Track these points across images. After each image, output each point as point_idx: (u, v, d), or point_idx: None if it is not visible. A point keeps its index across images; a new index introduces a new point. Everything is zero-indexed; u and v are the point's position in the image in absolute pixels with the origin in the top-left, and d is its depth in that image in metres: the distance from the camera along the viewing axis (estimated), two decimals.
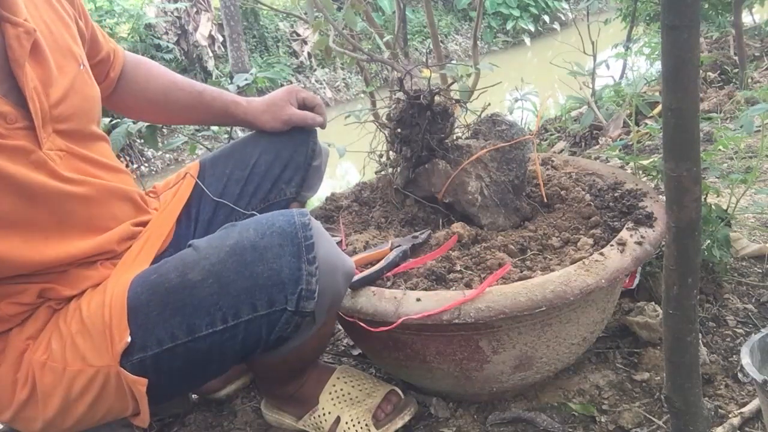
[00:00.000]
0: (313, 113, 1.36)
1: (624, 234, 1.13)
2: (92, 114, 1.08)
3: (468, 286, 1.07)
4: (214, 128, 2.25)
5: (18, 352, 0.95)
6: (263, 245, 0.94)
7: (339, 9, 1.86)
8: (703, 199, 1.22)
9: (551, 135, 3.06)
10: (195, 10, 7.56)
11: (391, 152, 1.39)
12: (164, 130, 6.02)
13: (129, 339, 0.92)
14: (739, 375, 1.26)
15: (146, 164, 6.33)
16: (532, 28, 10.12)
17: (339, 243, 1.29)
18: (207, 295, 0.93)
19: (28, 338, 0.96)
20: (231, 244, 0.95)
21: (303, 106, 1.36)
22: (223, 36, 7.33)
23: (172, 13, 7.36)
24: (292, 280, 0.93)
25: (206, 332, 0.93)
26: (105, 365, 0.93)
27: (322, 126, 1.38)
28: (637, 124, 2.55)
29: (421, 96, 1.26)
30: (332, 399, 1.20)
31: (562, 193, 1.35)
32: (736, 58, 3.24)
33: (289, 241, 0.94)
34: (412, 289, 1.09)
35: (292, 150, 1.34)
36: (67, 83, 1.01)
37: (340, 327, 1.54)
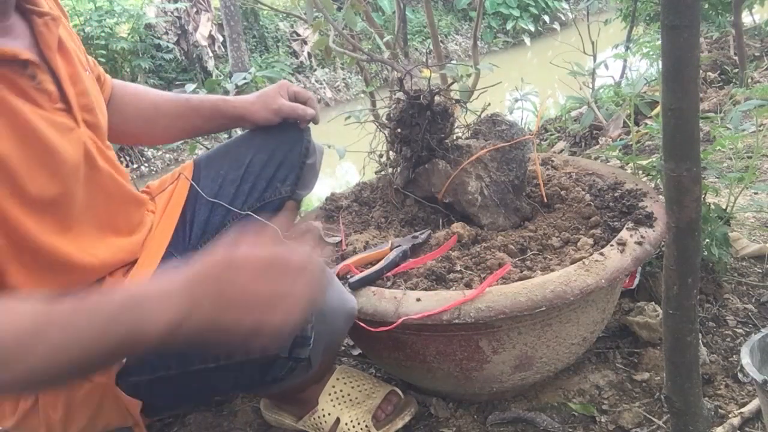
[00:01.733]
0: (304, 106, 1.35)
1: (624, 234, 1.13)
2: (105, 115, 1.08)
3: (468, 286, 1.07)
4: None
5: None
6: None
7: (339, 9, 1.86)
8: (702, 199, 1.22)
9: (551, 135, 3.06)
10: (195, 10, 7.56)
11: (391, 152, 1.39)
12: None
13: (124, 360, 0.92)
14: (739, 375, 1.26)
15: (146, 164, 6.33)
16: (532, 28, 10.12)
17: (339, 243, 1.29)
18: None
19: None
20: None
21: (294, 99, 1.35)
22: (223, 36, 7.31)
23: (172, 13, 7.36)
24: None
25: (198, 367, 0.93)
26: (102, 382, 0.93)
27: (315, 120, 1.37)
28: (636, 124, 2.55)
29: (421, 96, 1.26)
30: (332, 400, 1.20)
31: (562, 193, 1.35)
32: (736, 58, 3.24)
33: None
34: (412, 289, 1.09)
35: (287, 149, 1.33)
36: (86, 79, 1.03)
37: None
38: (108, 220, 1.03)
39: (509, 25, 9.99)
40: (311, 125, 1.38)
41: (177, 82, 6.77)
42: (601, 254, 1.08)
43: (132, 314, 0.66)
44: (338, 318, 0.99)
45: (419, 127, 1.29)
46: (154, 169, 6.37)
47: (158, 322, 0.65)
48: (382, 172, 1.43)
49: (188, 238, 1.29)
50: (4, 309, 0.66)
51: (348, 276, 1.11)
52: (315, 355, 0.97)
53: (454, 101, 1.38)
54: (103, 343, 0.65)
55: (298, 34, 8.42)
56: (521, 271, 1.10)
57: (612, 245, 1.10)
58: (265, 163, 1.34)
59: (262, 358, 0.93)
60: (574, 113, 3.16)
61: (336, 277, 1.04)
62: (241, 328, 0.68)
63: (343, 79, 8.41)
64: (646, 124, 2.34)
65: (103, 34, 6.15)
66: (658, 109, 2.38)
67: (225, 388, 0.98)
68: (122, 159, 5.83)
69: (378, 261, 1.16)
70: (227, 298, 0.67)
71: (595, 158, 2.32)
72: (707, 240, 1.39)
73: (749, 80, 3.05)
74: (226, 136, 2.36)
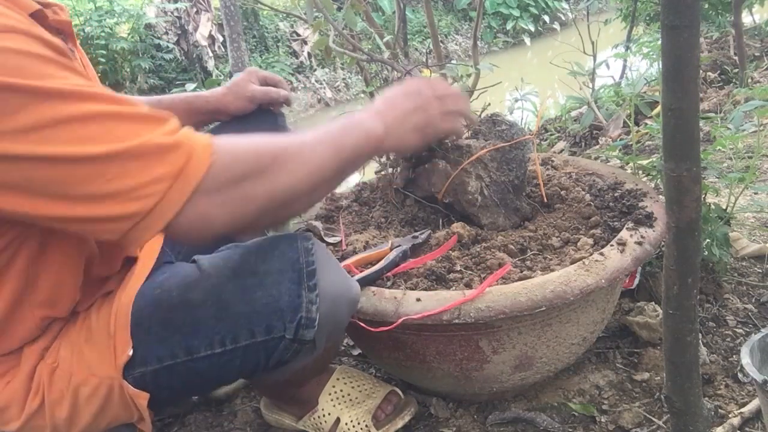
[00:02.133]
0: (276, 89, 1.34)
1: (624, 234, 1.13)
2: None
3: (468, 286, 1.07)
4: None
5: (33, 363, 0.95)
6: (263, 270, 0.93)
7: (339, 9, 1.85)
8: (702, 199, 1.22)
9: (551, 135, 3.06)
10: (195, 10, 7.55)
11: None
12: None
13: (130, 352, 0.92)
14: (739, 375, 1.26)
15: None
16: (532, 28, 10.11)
17: (339, 243, 1.29)
18: (206, 317, 0.93)
19: (43, 349, 0.96)
20: (232, 267, 0.94)
21: (264, 84, 1.35)
22: (223, 36, 7.30)
23: (172, 13, 7.36)
24: (291, 307, 0.92)
25: (204, 354, 0.93)
26: (108, 376, 0.93)
27: (288, 102, 1.36)
28: (636, 124, 2.55)
29: None
30: (332, 400, 1.20)
31: (562, 193, 1.35)
32: (736, 58, 3.24)
33: (290, 267, 0.93)
34: (412, 289, 1.09)
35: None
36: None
37: None
38: None
39: (509, 25, 9.98)
40: (285, 109, 1.37)
41: (177, 82, 6.76)
42: (601, 254, 1.08)
43: (358, 129, 0.93)
44: (342, 302, 0.99)
45: None
46: None
47: (376, 133, 0.94)
48: (382, 172, 1.43)
49: None
50: (294, 136, 0.90)
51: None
52: (319, 337, 0.97)
53: None
54: (349, 147, 0.90)
55: (298, 34, 8.42)
56: (521, 271, 1.10)
57: (612, 245, 1.10)
58: None
59: (267, 340, 0.93)
60: (574, 113, 3.16)
61: (339, 263, 1.04)
62: (422, 130, 1.00)
63: (343, 79, 8.41)
64: (646, 124, 2.34)
65: (103, 34, 6.14)
66: (658, 109, 2.38)
67: (231, 375, 0.98)
68: None
69: (378, 261, 1.16)
70: (406, 112, 0.99)
71: (595, 158, 2.32)
72: (707, 240, 1.39)
73: (749, 80, 3.05)
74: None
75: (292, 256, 0.94)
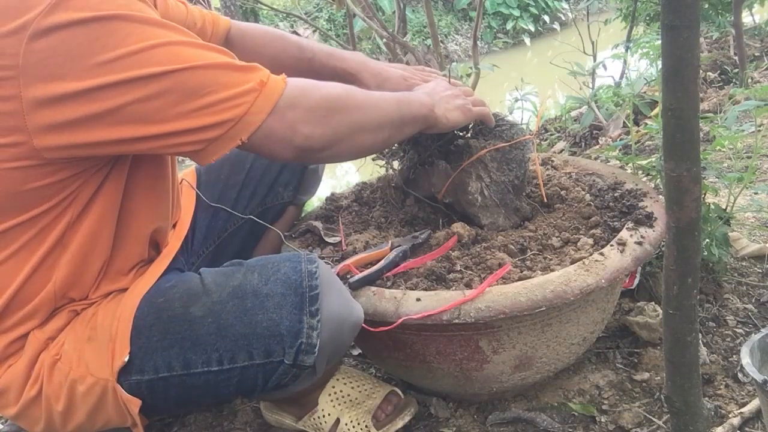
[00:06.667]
0: None
1: (624, 234, 1.13)
2: None
3: (468, 286, 1.07)
4: None
5: (36, 351, 0.95)
6: (265, 292, 0.92)
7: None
8: (702, 199, 1.22)
9: (551, 135, 3.06)
10: None
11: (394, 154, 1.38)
12: None
13: (126, 358, 0.92)
14: (739, 375, 1.26)
15: None
16: (532, 28, 10.10)
17: (339, 243, 1.29)
18: (205, 334, 0.93)
19: (48, 339, 0.96)
20: (234, 286, 0.94)
21: None
22: None
23: None
24: (292, 333, 0.91)
25: (201, 370, 0.93)
26: (103, 378, 0.93)
27: None
28: (636, 124, 2.55)
29: None
30: (332, 401, 1.20)
31: (562, 193, 1.35)
32: (736, 58, 3.24)
33: (293, 291, 0.92)
34: (412, 289, 1.09)
35: None
36: None
37: None
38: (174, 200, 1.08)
39: (509, 25, 9.98)
40: None
41: None
42: (601, 254, 1.08)
43: (412, 96, 1.11)
44: (344, 326, 0.99)
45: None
46: None
47: (427, 102, 1.11)
48: (384, 167, 1.42)
49: (191, 242, 1.28)
50: (354, 89, 1.04)
51: (348, 276, 1.11)
52: (320, 362, 0.97)
53: None
54: (405, 104, 1.06)
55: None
56: (521, 271, 1.10)
57: (612, 245, 1.10)
58: (266, 168, 1.34)
59: (265, 363, 0.93)
60: (574, 113, 3.16)
61: (343, 285, 1.04)
62: (462, 109, 1.17)
63: None
64: (646, 124, 2.34)
65: None
66: (658, 109, 2.38)
67: (226, 393, 0.98)
68: None
69: (378, 261, 1.16)
70: (446, 96, 1.16)
71: (595, 158, 2.32)
72: (707, 240, 1.39)
73: (749, 80, 3.05)
74: None
75: (295, 280, 0.93)
